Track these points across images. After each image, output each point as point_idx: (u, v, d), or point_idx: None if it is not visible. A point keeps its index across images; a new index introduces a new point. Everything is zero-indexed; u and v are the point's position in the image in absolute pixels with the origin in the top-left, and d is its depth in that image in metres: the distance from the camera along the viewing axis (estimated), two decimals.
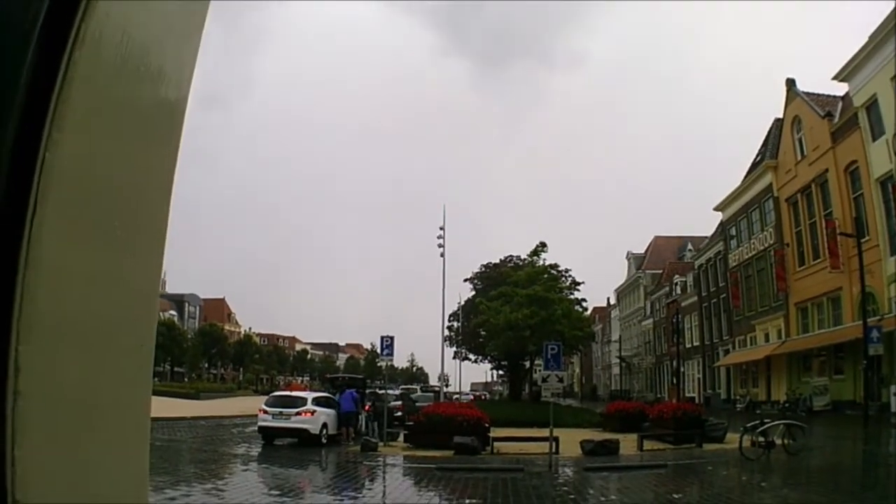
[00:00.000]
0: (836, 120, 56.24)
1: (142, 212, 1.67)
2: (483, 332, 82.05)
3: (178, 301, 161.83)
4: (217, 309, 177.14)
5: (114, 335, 1.59)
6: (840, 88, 57.01)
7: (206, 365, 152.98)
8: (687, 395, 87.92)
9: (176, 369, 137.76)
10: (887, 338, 43.85)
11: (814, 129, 59.27)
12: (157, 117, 1.70)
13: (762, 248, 71.49)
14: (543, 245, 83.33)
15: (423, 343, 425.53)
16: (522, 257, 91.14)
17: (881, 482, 22.81)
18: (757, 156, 75.20)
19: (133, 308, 1.65)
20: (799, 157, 62.40)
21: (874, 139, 49.88)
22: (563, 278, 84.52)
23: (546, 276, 77.45)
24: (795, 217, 64.11)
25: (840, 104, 57.75)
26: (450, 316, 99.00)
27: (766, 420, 30.57)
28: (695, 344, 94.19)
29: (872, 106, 50.00)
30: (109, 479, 1.53)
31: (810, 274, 60.56)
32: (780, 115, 67.36)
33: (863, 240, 45.94)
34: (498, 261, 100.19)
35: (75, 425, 1.45)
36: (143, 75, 1.59)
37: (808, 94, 62.09)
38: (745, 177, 75.58)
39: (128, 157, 1.58)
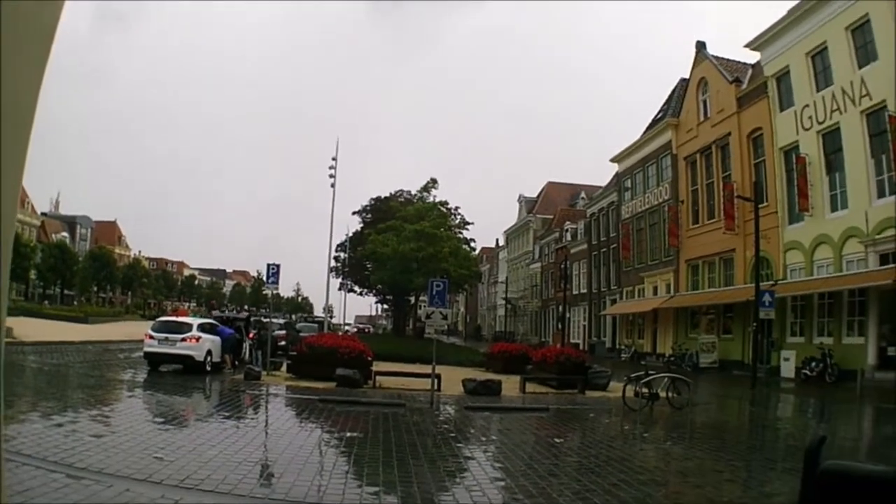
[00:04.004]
0: (745, 86, 57.03)
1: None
2: (369, 264, 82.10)
3: (70, 223, 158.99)
4: (108, 232, 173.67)
5: None
6: (751, 57, 57.79)
7: (96, 289, 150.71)
8: (572, 341, 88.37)
9: (66, 292, 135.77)
10: (780, 303, 45.06)
11: (720, 93, 60.01)
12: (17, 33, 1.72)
13: (656, 202, 72.16)
14: (434, 181, 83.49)
15: (309, 273, 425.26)
16: (413, 192, 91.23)
17: (768, 444, 22.71)
18: (658, 112, 75.72)
19: None
20: (702, 119, 63.15)
21: (782, 109, 50.90)
22: (453, 216, 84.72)
23: (435, 212, 77.50)
24: (693, 176, 64.97)
25: (750, 72, 58.62)
26: (337, 247, 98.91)
27: (650, 371, 30.76)
28: (582, 291, 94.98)
29: (783, 77, 51.01)
30: None
31: (704, 233, 61.57)
32: (687, 76, 67.82)
33: (761, 205, 46.62)
34: (388, 195, 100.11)
35: None
36: None
37: (717, 58, 62.68)
38: (645, 132, 75.89)
39: None
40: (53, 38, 1.82)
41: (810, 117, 47.42)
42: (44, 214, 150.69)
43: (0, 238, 1.69)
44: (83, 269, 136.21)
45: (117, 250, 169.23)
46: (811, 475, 2.38)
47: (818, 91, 46.81)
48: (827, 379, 42.08)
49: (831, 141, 45.94)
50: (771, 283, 47.05)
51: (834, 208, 45.62)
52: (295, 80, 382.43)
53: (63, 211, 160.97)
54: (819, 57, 47.22)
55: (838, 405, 34.40)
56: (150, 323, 41.61)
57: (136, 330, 54.51)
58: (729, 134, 58.04)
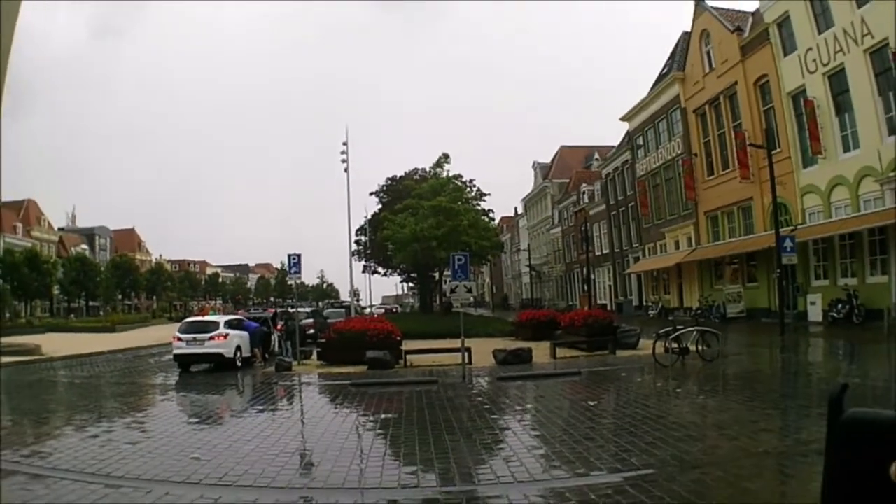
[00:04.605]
0: (746, 35, 56.48)
1: None
2: (390, 247, 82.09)
3: (89, 235, 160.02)
4: (127, 239, 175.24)
5: None
6: (749, 6, 57.59)
7: (121, 297, 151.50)
8: (598, 302, 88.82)
9: (91, 304, 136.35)
10: (801, 248, 44.87)
11: (722, 43, 59.54)
12: None
13: (670, 157, 71.81)
14: (446, 156, 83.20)
15: (332, 259, 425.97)
16: (427, 169, 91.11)
17: (801, 391, 22.73)
18: (664, 68, 75.16)
19: None
20: (707, 70, 62.69)
21: (786, 54, 50.47)
22: (469, 189, 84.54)
23: (451, 186, 77.31)
24: (703, 128, 64.60)
25: (750, 20, 57.89)
26: (357, 230, 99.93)
27: (679, 326, 30.61)
28: (604, 251, 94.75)
29: (784, 22, 50.55)
30: None
31: (720, 183, 61.27)
32: (688, 29, 67.33)
33: (774, 151, 46.29)
34: (403, 173, 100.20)
35: None
36: None
37: (716, 8, 62.21)
38: (652, 88, 75.40)
39: None
40: (11, 39, 1.77)
41: (814, 60, 47.02)
42: (61, 229, 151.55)
43: None
44: (106, 278, 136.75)
45: (138, 256, 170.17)
46: (835, 425, 2.35)
47: (820, 34, 46.36)
48: (854, 320, 41.95)
49: (837, 82, 45.52)
50: (791, 228, 46.63)
51: (846, 149, 45.31)
52: (303, 65, 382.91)
53: (80, 224, 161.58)
54: (818, 0, 46.80)
55: (867, 346, 34.20)
56: (177, 325, 41.65)
57: (164, 334, 54.50)
58: (735, 83, 57.57)
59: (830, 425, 2.34)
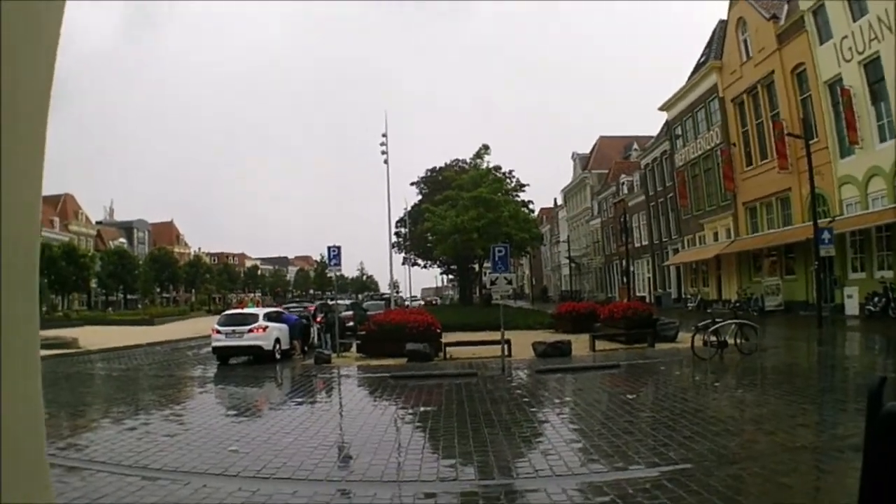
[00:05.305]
0: (782, 22, 56.06)
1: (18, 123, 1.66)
2: (430, 238, 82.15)
3: (127, 228, 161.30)
4: (166, 232, 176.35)
5: None
6: None
7: (159, 290, 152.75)
8: (637, 294, 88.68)
9: (129, 297, 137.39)
10: (839, 239, 44.50)
11: (759, 31, 59.15)
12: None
13: (708, 147, 71.47)
14: (486, 147, 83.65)
15: (372, 251, 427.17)
16: (467, 160, 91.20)
17: (838, 386, 22.63)
18: (701, 57, 74.81)
19: (11, 225, 1.59)
20: (744, 59, 62.30)
21: (821, 42, 50.01)
22: (508, 180, 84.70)
23: (491, 178, 77.45)
24: (742, 117, 64.20)
25: (786, 7, 57.41)
26: (397, 222, 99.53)
27: (717, 319, 30.49)
28: (643, 243, 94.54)
29: (819, 10, 50.11)
30: None
31: (758, 174, 60.90)
32: (724, 18, 67.01)
33: (811, 141, 45.86)
34: (443, 164, 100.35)
35: None
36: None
37: None
38: (690, 77, 75.17)
39: None
40: (58, 41, 1.77)
41: (850, 48, 46.55)
42: (99, 223, 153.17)
43: (26, 245, 1.62)
44: (144, 271, 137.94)
45: (177, 249, 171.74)
46: (875, 419, 2.31)
47: (855, 21, 45.90)
48: (891, 313, 41.61)
49: (873, 70, 45.04)
50: (828, 219, 46.37)
51: (882, 138, 44.91)
52: (344, 55, 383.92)
53: (118, 218, 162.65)
54: None
55: None
56: (216, 318, 41.76)
57: (203, 326, 54.59)
58: (772, 72, 57.14)
59: (869, 419, 2.31)
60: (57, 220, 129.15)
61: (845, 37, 46.90)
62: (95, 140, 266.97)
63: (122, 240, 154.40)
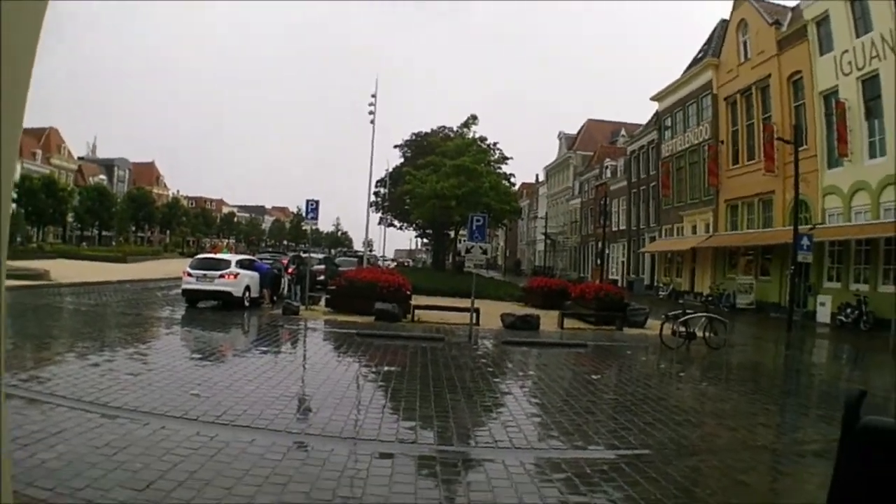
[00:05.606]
0: (784, 29, 56.12)
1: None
2: (408, 201, 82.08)
3: (108, 166, 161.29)
4: (146, 172, 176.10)
5: None
6: (790, 1, 57.46)
7: (134, 228, 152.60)
8: (610, 277, 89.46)
9: (104, 233, 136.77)
10: (818, 247, 44.67)
11: (760, 35, 59.23)
12: None
13: (696, 141, 71.51)
14: (475, 118, 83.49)
15: (349, 208, 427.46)
16: (454, 128, 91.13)
17: (803, 391, 22.73)
18: (699, 52, 74.78)
19: None
20: (742, 60, 62.38)
21: (822, 53, 50.03)
22: (493, 151, 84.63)
23: (475, 147, 77.38)
24: (733, 116, 64.29)
25: (789, 14, 57.58)
26: (377, 182, 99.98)
27: (688, 311, 30.85)
28: (621, 228, 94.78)
29: (823, 21, 50.06)
30: None
31: (743, 173, 61.00)
32: (726, 17, 67.10)
33: (800, 148, 45.98)
34: (429, 130, 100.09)
35: None
36: None
37: (757, 0, 61.96)
38: (685, 71, 75.22)
39: None
40: None
41: (850, 63, 46.60)
42: (80, 159, 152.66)
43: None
44: (121, 209, 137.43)
45: (156, 190, 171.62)
46: (851, 431, 2.29)
47: (858, 37, 45.97)
48: (862, 326, 41.78)
49: (871, 87, 45.13)
50: (809, 226, 46.35)
51: (873, 155, 45.02)
52: (339, 15, 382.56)
53: (100, 155, 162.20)
54: (858, 3, 46.30)
55: (872, 354, 33.85)
56: (189, 260, 41.69)
57: (174, 268, 54.21)
58: (769, 76, 57.25)
59: (845, 430, 2.29)
60: (39, 152, 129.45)
61: (846, 51, 46.94)
62: (85, 77, 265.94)
63: (103, 176, 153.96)
